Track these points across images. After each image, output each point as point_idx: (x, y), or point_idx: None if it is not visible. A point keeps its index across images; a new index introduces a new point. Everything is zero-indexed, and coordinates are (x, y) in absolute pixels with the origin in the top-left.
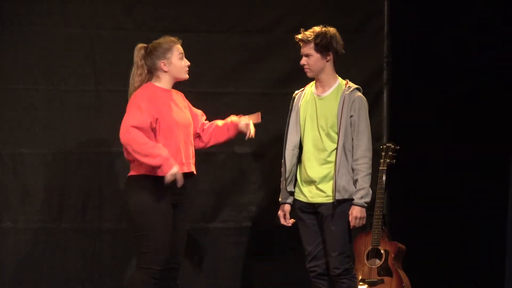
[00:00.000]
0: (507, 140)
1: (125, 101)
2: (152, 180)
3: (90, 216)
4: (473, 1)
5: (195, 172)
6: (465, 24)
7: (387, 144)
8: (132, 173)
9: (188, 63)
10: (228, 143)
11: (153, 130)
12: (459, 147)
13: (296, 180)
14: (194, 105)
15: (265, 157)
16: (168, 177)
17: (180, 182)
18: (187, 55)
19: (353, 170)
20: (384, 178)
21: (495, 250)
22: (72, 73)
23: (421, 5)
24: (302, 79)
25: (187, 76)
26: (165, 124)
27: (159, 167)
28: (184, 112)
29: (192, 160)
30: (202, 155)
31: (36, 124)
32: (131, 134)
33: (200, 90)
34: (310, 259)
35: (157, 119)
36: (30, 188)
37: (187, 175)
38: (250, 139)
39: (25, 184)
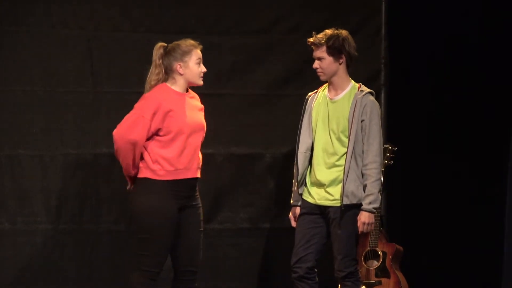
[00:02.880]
0: (505, 140)
1: (123, 102)
2: (158, 183)
3: (87, 217)
4: (471, 2)
5: (199, 176)
6: (463, 25)
7: (385, 145)
8: (139, 175)
9: (204, 69)
10: (225, 144)
11: (153, 136)
12: (457, 148)
13: (305, 181)
14: None
15: (262, 158)
16: None
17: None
18: None
19: (362, 175)
20: (381, 179)
21: (492, 251)
22: (69, 75)
23: (418, 6)
24: (300, 80)
25: (201, 83)
26: (176, 131)
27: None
28: (198, 116)
29: (199, 165)
30: None
31: (34, 126)
32: (122, 147)
33: (198, 91)
34: (295, 260)
35: (159, 129)
36: (27, 190)
37: (194, 180)
38: (247, 141)
39: (23, 185)
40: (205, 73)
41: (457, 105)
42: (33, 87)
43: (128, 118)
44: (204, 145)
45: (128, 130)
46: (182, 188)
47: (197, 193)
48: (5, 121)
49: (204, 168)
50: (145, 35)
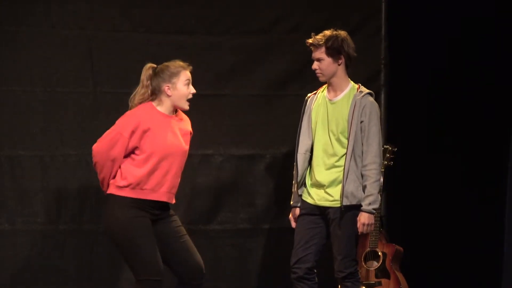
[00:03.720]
0: (505, 140)
1: (123, 102)
2: (123, 199)
3: (87, 217)
4: (471, 2)
5: (172, 202)
6: (463, 26)
7: (385, 146)
8: (108, 191)
9: (193, 90)
10: (225, 144)
11: (130, 154)
12: (457, 148)
13: (304, 182)
14: (191, 107)
15: (262, 159)
16: None
17: None
18: (185, 56)
19: (362, 176)
20: (381, 180)
21: (492, 251)
22: (69, 75)
23: (418, 7)
24: (299, 81)
25: (187, 107)
26: (149, 151)
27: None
28: (178, 140)
29: (172, 190)
30: (200, 157)
31: (34, 126)
32: (101, 162)
33: (198, 92)
34: (295, 260)
35: (136, 148)
36: (27, 190)
37: (159, 203)
38: (248, 141)
39: (23, 186)
40: (205, 74)
41: (457, 105)
42: (33, 87)
43: (108, 135)
44: (204, 145)
45: (106, 147)
46: (146, 207)
47: (170, 212)
48: (5, 121)
49: (204, 168)
50: (145, 35)
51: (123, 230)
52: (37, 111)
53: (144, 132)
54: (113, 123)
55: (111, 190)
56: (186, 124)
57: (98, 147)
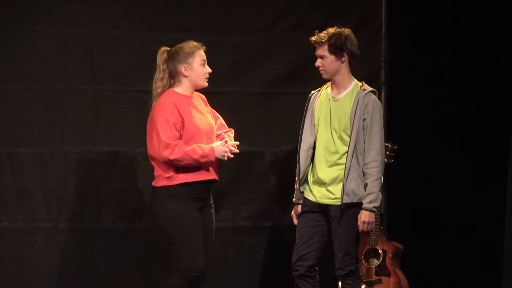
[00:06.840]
0: (505, 139)
1: (123, 101)
2: (175, 188)
3: (88, 215)
4: (471, 1)
5: (217, 178)
6: (463, 24)
7: (385, 144)
8: (160, 183)
9: (209, 70)
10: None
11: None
12: (457, 147)
13: (306, 179)
14: None
15: (262, 156)
16: (220, 157)
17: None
18: None
19: (363, 174)
20: (382, 178)
21: (493, 249)
22: (70, 73)
23: (419, 4)
24: (300, 79)
25: (206, 84)
26: (187, 131)
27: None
28: (206, 117)
29: (215, 166)
30: None
31: (34, 124)
32: (178, 153)
33: (198, 90)
34: (296, 258)
35: (182, 122)
36: (28, 188)
37: (210, 182)
38: (248, 139)
39: (23, 183)
40: None
41: (457, 103)
42: (34, 85)
43: (162, 134)
44: None
45: (168, 140)
46: (197, 191)
47: (210, 195)
48: (5, 119)
49: None
50: (145, 34)
51: (172, 224)
52: (38, 109)
53: (182, 121)
54: (113, 121)
55: (162, 182)
56: (204, 103)
57: (172, 155)
